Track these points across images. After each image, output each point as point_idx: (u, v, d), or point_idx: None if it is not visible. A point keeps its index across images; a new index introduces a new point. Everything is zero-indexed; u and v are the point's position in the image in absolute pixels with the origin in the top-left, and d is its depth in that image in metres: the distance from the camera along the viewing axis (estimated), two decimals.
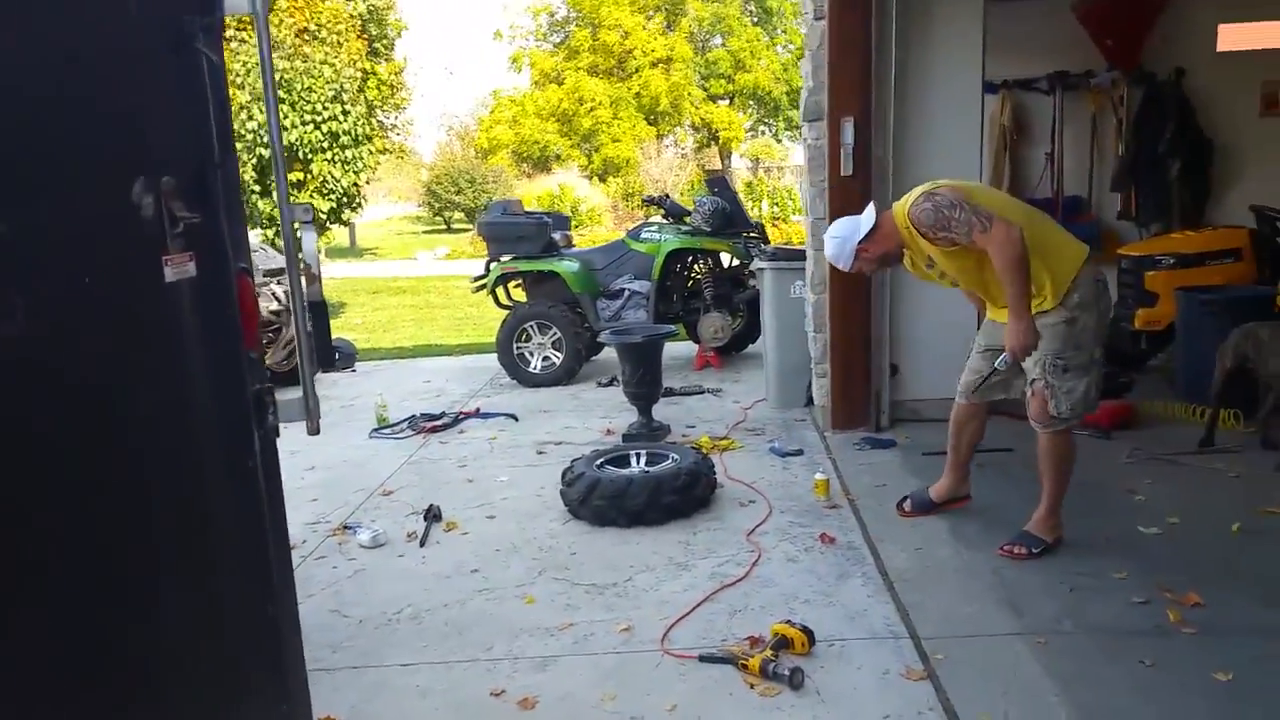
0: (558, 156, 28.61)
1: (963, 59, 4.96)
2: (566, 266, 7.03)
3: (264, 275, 6.80)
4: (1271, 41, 6.66)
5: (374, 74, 17.50)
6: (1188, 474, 4.16)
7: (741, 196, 8.99)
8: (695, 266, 7.46)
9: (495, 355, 7.04)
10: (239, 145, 11.21)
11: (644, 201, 8.46)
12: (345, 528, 4.06)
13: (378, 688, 2.75)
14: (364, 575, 3.60)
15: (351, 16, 17.02)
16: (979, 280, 3.34)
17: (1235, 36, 6.72)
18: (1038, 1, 6.76)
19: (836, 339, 5.02)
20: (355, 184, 13.59)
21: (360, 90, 14.69)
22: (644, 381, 5.20)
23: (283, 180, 2.21)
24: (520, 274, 7.24)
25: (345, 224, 16.25)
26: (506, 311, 7.14)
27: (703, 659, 2.77)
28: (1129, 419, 4.82)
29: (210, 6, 1.86)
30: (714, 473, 4.24)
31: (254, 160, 12.06)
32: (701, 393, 6.36)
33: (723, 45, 30.18)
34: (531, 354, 6.96)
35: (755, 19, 30.68)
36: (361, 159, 13.49)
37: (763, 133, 32.44)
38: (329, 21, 15.06)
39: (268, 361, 6.31)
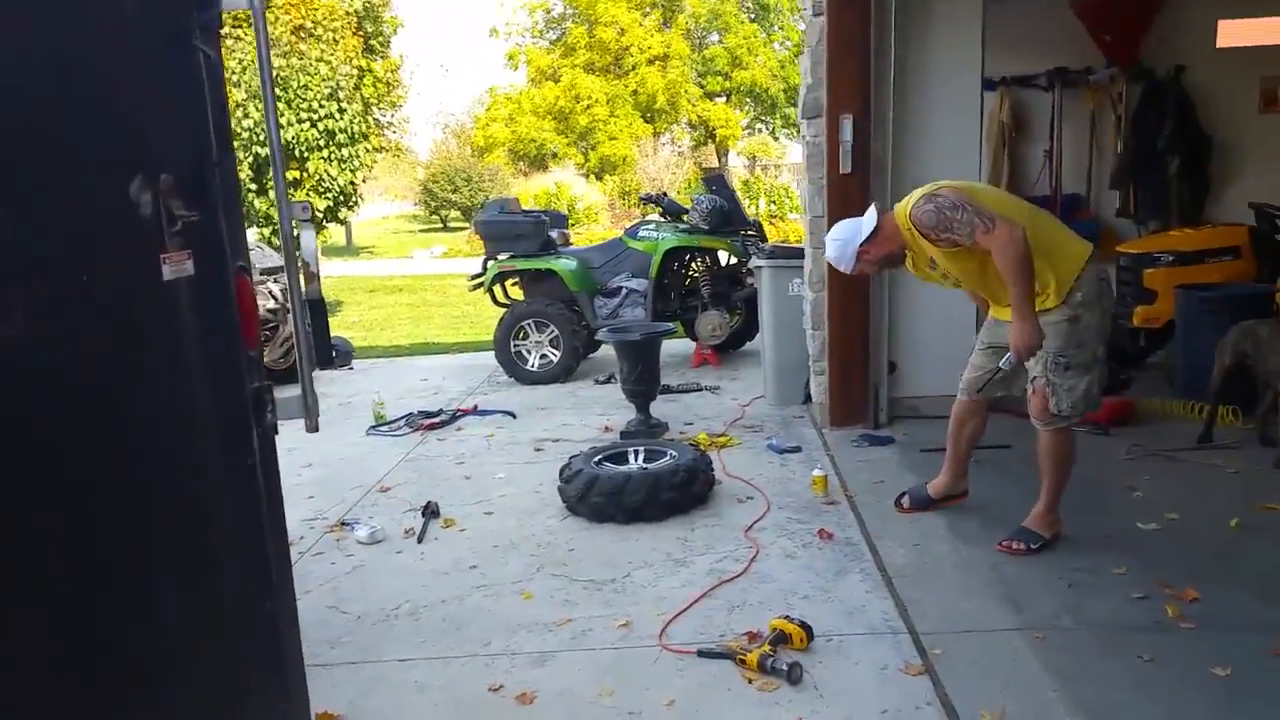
0: (554, 154, 28.59)
1: (962, 56, 4.96)
2: (564, 265, 7.02)
3: (260, 274, 6.79)
4: (1271, 38, 6.65)
5: (370, 71, 17.48)
6: (1186, 470, 4.16)
7: (739, 194, 8.99)
8: (693, 264, 7.45)
9: (493, 353, 7.04)
10: (235, 144, 11.18)
11: (642, 199, 8.46)
12: (343, 524, 4.05)
13: (375, 683, 2.75)
14: (362, 571, 3.59)
15: (347, 13, 16.99)
16: (981, 280, 3.34)
17: (1234, 32, 6.72)
18: None
19: (835, 336, 5.02)
20: (351, 182, 13.56)
21: (356, 88, 14.66)
22: (642, 379, 5.20)
23: (281, 178, 2.20)
24: (518, 272, 7.23)
25: (342, 222, 16.21)
26: (504, 309, 7.14)
27: (701, 654, 2.77)
28: (1128, 416, 4.83)
29: (207, 2, 1.85)
30: (712, 469, 4.24)
31: (250, 158, 12.03)
32: (699, 390, 6.36)
33: (720, 42, 30.18)
34: (529, 352, 6.95)
35: (752, 15, 30.67)
36: (358, 157, 13.45)
37: (760, 130, 32.44)
38: (325, 19, 15.03)
39: (265, 360, 6.30)
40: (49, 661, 1.40)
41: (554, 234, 7.29)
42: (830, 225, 4.76)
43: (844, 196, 4.80)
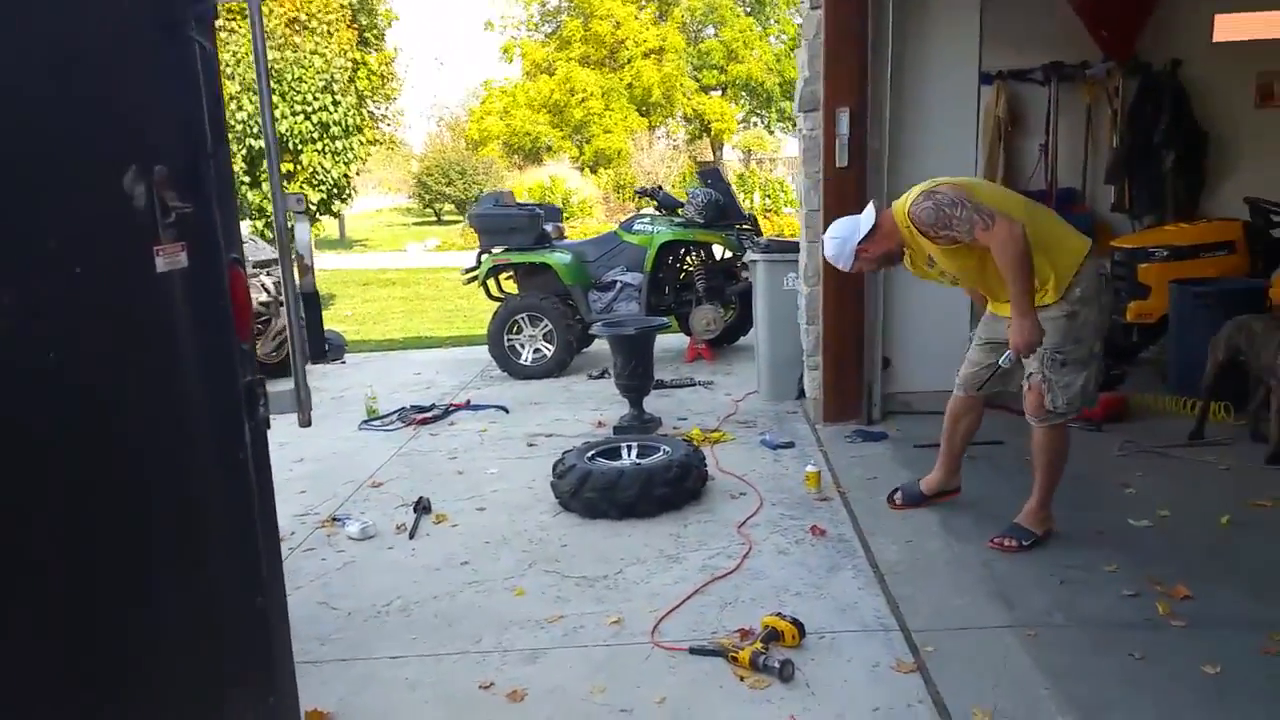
0: (549, 148, 28.52)
1: (959, 50, 4.95)
2: (558, 258, 7.01)
3: (254, 267, 6.76)
4: (1268, 32, 6.65)
5: (364, 64, 17.41)
6: (1178, 467, 4.17)
7: (734, 188, 8.97)
8: (688, 258, 7.43)
9: (486, 347, 7.02)
10: (229, 136, 11.13)
11: (637, 193, 8.44)
12: (334, 520, 4.04)
13: (366, 680, 2.74)
14: (353, 567, 3.58)
15: (341, 6, 16.91)
16: (980, 277, 3.33)
17: (1231, 27, 6.72)
18: None
19: (829, 331, 5.01)
20: (345, 175, 13.52)
21: (350, 80, 14.60)
22: (636, 374, 5.19)
23: (276, 170, 2.18)
24: (512, 266, 7.21)
25: (335, 215, 16.18)
26: (497, 303, 7.12)
27: (693, 651, 2.76)
28: (1120, 411, 4.83)
29: None
30: (705, 465, 4.23)
31: (243, 151, 11.99)
32: (693, 385, 6.36)
33: (715, 36, 30.11)
34: (522, 346, 6.93)
35: (748, 9, 30.60)
36: (352, 150, 13.42)
37: (755, 124, 32.39)
38: (319, 11, 14.98)
39: (258, 353, 6.28)
40: (38, 656, 1.39)
41: (548, 228, 7.27)
42: (826, 219, 4.78)
43: (840, 190, 4.79)
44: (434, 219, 27.55)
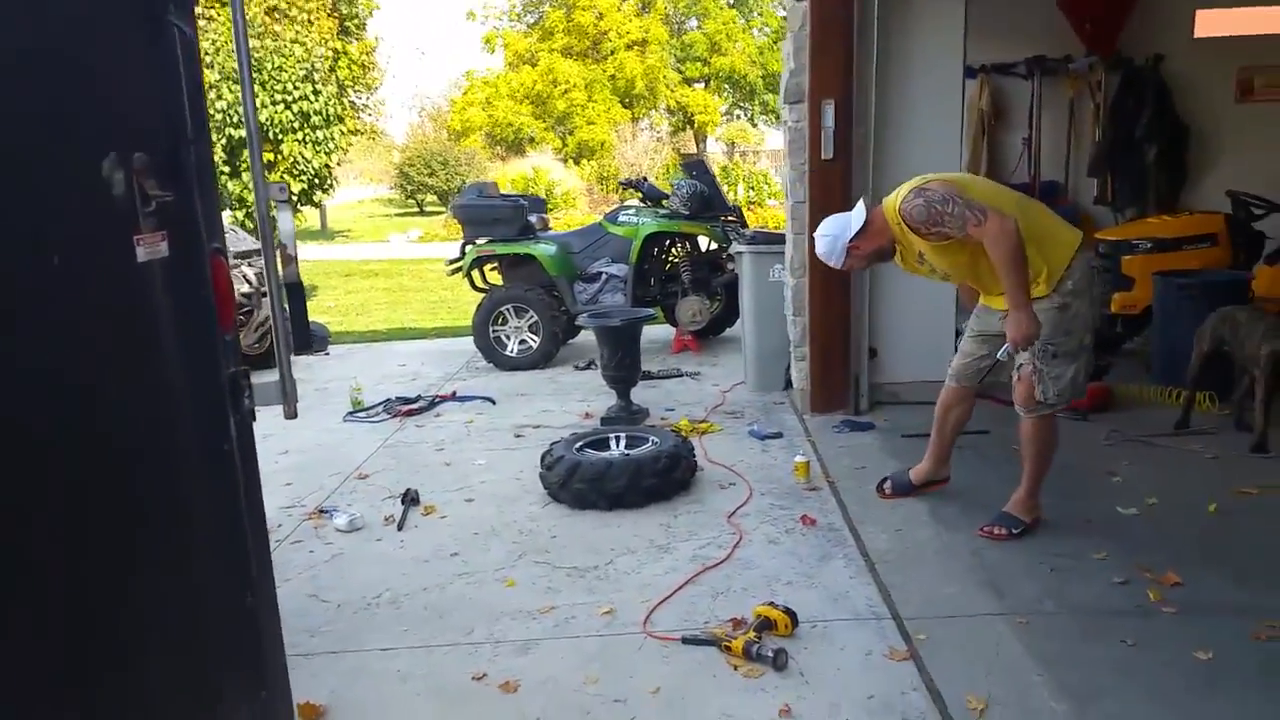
0: (531, 139, 28.42)
1: (944, 43, 4.96)
2: (543, 250, 6.97)
3: (235, 257, 6.69)
4: (1248, 27, 6.71)
5: (345, 54, 17.29)
6: (1165, 455, 4.19)
7: (719, 180, 8.95)
8: (673, 250, 7.42)
9: (471, 338, 6.98)
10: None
11: (621, 184, 8.41)
12: (321, 512, 4.00)
13: (357, 672, 2.72)
14: (341, 560, 3.55)
15: None
16: (973, 273, 3.32)
17: (1212, 22, 6.77)
18: None
19: (815, 322, 5.01)
20: (326, 165, 13.43)
21: (331, 70, 14.50)
22: (623, 365, 5.17)
23: (258, 158, 2.15)
24: (496, 257, 7.17)
25: (316, 206, 16.07)
26: (482, 295, 7.08)
27: (686, 641, 2.75)
28: (1106, 401, 4.85)
29: None
30: (694, 456, 4.23)
31: (223, 141, 11.87)
32: (680, 376, 6.35)
33: (698, 28, 30.08)
34: (508, 337, 6.90)
35: (731, 1, 30.59)
36: (333, 140, 13.32)
37: (738, 116, 32.40)
38: (299, 0, 14.83)
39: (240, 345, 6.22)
40: (23, 651, 1.36)
41: (533, 219, 7.22)
42: (812, 211, 4.78)
43: (825, 182, 4.79)
44: (416, 210, 27.39)
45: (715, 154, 29.07)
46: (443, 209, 23.88)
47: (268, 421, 2.46)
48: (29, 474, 1.37)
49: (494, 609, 3.05)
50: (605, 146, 26.39)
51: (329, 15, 16.53)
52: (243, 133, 10.49)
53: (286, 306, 2.61)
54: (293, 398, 2.24)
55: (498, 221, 6.97)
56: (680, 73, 29.63)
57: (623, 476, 3.85)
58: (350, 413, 5.68)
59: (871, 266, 4.20)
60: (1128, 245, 5.71)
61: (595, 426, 4.97)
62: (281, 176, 12.76)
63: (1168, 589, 2.90)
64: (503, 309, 6.84)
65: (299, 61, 12.76)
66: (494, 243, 7.03)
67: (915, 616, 2.84)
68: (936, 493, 3.80)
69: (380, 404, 5.77)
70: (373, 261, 15.94)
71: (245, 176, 11.93)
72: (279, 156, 12.77)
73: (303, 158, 12.90)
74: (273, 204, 2.48)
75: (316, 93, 12.92)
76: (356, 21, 20.76)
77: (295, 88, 12.68)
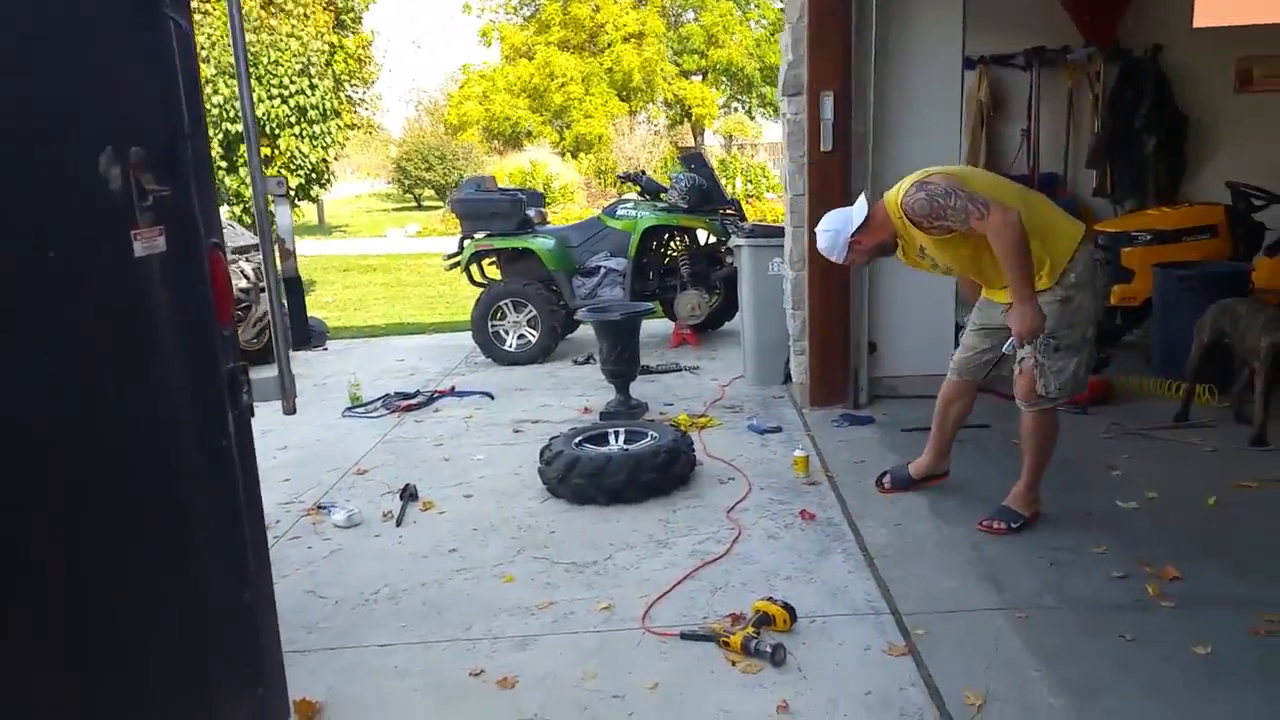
0: (529, 133, 28.36)
1: (943, 34, 4.94)
2: (542, 244, 6.95)
3: (233, 252, 6.67)
4: (1247, 17, 6.67)
5: (341, 48, 17.23)
6: (1164, 449, 4.19)
7: (717, 173, 8.94)
8: (672, 244, 7.41)
9: (469, 333, 6.97)
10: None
11: (620, 178, 8.39)
12: (319, 508, 4.00)
13: (355, 669, 2.71)
14: (339, 555, 3.54)
15: None
16: (975, 266, 3.31)
17: (1211, 12, 6.74)
18: None
19: (815, 316, 5.00)
20: (323, 160, 13.39)
21: (328, 64, 14.46)
22: (622, 359, 5.16)
23: (255, 153, 2.14)
24: (495, 251, 7.15)
25: (314, 200, 16.02)
26: (481, 289, 7.06)
27: (684, 637, 2.75)
28: (1106, 394, 4.85)
29: None
30: (693, 450, 4.22)
31: (220, 136, 11.84)
32: (679, 370, 6.34)
33: (695, 20, 29.99)
34: (507, 332, 6.89)
35: None
36: (329, 134, 13.28)
37: (736, 109, 32.35)
38: None
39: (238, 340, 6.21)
40: (21, 647, 1.36)
41: (531, 213, 7.20)
42: (811, 203, 4.77)
43: (824, 174, 4.77)
44: (414, 204, 27.34)
45: (713, 147, 29.01)
46: (440, 203, 23.84)
47: (266, 417, 2.45)
48: (24, 467, 1.36)
49: (492, 605, 3.04)
50: (603, 140, 26.34)
51: (325, 9, 16.48)
52: (240, 127, 10.46)
53: (285, 302, 2.60)
54: (291, 393, 2.23)
55: (496, 216, 6.95)
56: (677, 65, 29.56)
57: (621, 471, 3.85)
58: (349, 408, 5.67)
59: (873, 261, 4.18)
60: (1127, 237, 5.70)
61: (594, 421, 4.96)
62: (279, 171, 12.73)
63: (1167, 583, 2.89)
64: (501, 304, 6.82)
65: (295, 56, 12.72)
66: (492, 237, 7.02)
67: (914, 611, 2.84)
68: (936, 487, 3.79)
69: (379, 399, 5.76)
70: (371, 256, 15.91)
71: (242, 171, 11.89)
72: (276, 151, 12.74)
73: (300, 152, 12.86)
74: (270, 199, 2.47)
75: (313, 87, 12.88)
76: (352, 15, 20.69)
77: (292, 82, 12.64)
